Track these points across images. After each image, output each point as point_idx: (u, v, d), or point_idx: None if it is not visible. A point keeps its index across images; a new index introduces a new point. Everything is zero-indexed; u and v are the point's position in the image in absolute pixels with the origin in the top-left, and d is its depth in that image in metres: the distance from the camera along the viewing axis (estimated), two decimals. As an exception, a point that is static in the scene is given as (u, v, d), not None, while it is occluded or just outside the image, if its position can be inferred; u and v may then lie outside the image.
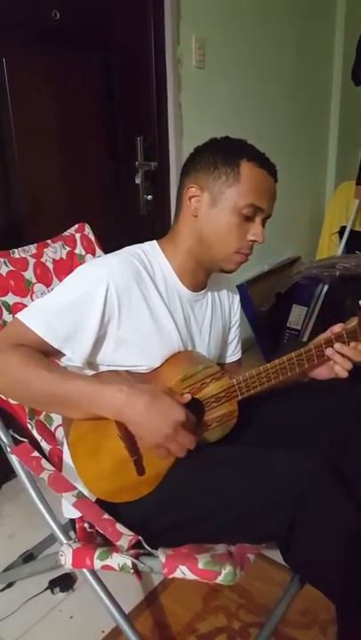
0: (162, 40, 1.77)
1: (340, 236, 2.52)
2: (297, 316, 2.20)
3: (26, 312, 0.86)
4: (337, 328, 0.97)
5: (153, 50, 1.77)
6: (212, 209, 0.91)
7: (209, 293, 1.03)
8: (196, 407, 0.92)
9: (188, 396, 0.86)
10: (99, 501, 0.92)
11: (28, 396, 0.86)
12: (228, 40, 2.06)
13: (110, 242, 0.99)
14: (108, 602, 0.95)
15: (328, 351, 0.95)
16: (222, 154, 0.90)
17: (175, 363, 0.92)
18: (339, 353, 0.95)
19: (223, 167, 0.89)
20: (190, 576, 0.82)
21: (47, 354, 0.85)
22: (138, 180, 1.77)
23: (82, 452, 0.88)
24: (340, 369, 0.96)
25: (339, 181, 2.82)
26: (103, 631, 1.18)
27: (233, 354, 1.15)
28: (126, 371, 0.91)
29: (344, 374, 0.96)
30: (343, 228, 2.51)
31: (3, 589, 1.31)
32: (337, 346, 0.95)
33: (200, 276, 0.99)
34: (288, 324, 2.24)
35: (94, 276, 0.86)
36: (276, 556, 0.88)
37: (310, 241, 2.84)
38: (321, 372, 1.02)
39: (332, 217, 2.64)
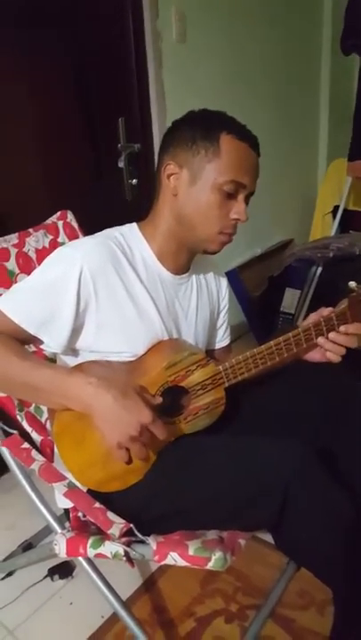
0: (140, 14, 1.70)
1: (334, 216, 2.48)
2: (290, 299, 2.17)
3: (1, 298, 0.84)
4: (326, 311, 0.95)
5: (131, 24, 1.70)
6: (191, 187, 0.88)
7: (193, 276, 1.01)
8: (181, 395, 0.92)
9: (158, 399, 0.84)
10: (91, 491, 0.92)
11: (1, 384, 0.85)
12: (209, 11, 1.97)
13: (95, 229, 0.96)
14: (104, 589, 0.96)
15: (320, 340, 0.93)
16: (201, 127, 0.87)
17: (159, 350, 0.91)
18: (332, 341, 0.93)
19: (202, 142, 0.86)
20: (181, 562, 0.82)
21: (24, 341, 0.84)
22: (121, 164, 1.71)
23: (67, 442, 0.88)
24: (333, 355, 0.94)
25: (331, 159, 2.75)
26: (103, 616, 1.19)
27: (222, 339, 1.14)
28: (107, 360, 0.90)
29: (337, 359, 0.95)
30: (336, 208, 2.47)
31: (3, 578, 1.33)
32: (331, 335, 0.93)
33: (182, 259, 0.96)
34: (282, 309, 2.21)
35: (68, 259, 0.85)
36: (272, 538, 0.87)
37: (303, 223, 2.79)
38: (313, 357, 1.00)
39: (325, 196, 2.60)
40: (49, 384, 0.80)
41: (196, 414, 0.92)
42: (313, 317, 0.95)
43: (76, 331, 0.87)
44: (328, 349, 0.94)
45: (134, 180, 1.75)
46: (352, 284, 0.94)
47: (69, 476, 0.92)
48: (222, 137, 0.86)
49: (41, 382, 0.80)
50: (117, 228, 0.95)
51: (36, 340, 0.86)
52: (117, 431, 0.77)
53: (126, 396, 0.77)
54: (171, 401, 0.91)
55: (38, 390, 0.81)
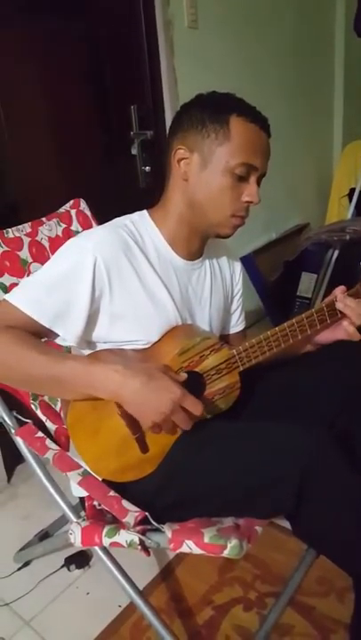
0: (151, 0, 1.68)
1: (350, 199, 2.43)
2: (307, 284, 2.14)
3: (14, 292, 0.83)
4: (338, 290, 0.94)
5: (142, 12, 1.68)
6: (202, 171, 0.86)
7: (207, 261, 0.99)
8: (197, 381, 0.90)
9: (183, 375, 0.82)
10: (105, 480, 0.91)
11: (21, 380, 0.83)
12: (221, -4, 1.94)
13: (109, 217, 0.95)
14: (120, 578, 0.95)
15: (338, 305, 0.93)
16: (210, 110, 0.85)
17: (172, 336, 0.89)
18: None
19: (212, 124, 0.84)
20: (197, 550, 0.81)
21: (39, 334, 0.83)
22: (134, 151, 1.70)
23: (81, 432, 0.86)
24: (355, 331, 0.93)
25: (346, 141, 2.70)
26: (120, 606, 1.18)
27: (237, 324, 1.12)
28: (120, 348, 0.88)
29: (358, 336, 0.94)
30: (352, 191, 2.42)
31: (20, 568, 1.33)
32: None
33: (195, 244, 0.94)
34: (298, 293, 2.18)
35: (80, 249, 0.83)
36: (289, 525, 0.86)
37: (319, 206, 2.74)
38: (336, 334, 0.98)
39: (341, 179, 2.54)
40: (73, 376, 0.78)
41: (212, 399, 0.90)
42: (327, 298, 0.95)
43: (90, 322, 0.85)
44: (349, 315, 0.93)
45: (147, 168, 1.73)
46: None
47: (84, 465, 0.92)
48: (232, 119, 0.84)
49: (64, 374, 0.78)
50: (128, 215, 0.93)
51: (50, 334, 0.84)
52: (152, 412, 0.76)
53: (153, 377, 0.76)
54: (186, 388, 0.89)
55: (62, 382, 0.79)
